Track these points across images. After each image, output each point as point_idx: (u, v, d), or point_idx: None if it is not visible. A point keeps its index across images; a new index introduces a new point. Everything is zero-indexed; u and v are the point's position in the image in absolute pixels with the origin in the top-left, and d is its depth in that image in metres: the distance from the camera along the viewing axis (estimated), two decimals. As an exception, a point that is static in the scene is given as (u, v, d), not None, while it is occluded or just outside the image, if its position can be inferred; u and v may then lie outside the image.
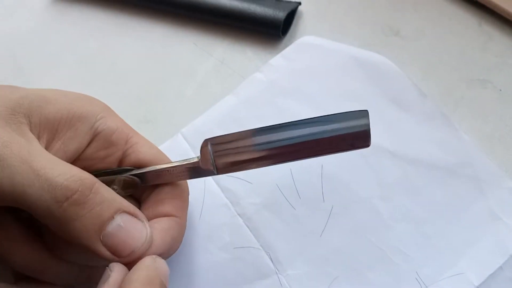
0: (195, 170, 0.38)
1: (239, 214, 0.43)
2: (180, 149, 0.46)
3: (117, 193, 0.38)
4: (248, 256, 0.42)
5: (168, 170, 0.38)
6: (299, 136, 0.36)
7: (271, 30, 0.51)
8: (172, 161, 0.40)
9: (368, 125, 0.35)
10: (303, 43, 0.50)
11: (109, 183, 0.38)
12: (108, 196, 0.35)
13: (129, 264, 0.34)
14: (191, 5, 0.53)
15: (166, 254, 0.37)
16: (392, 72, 0.47)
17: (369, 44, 0.50)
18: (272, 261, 0.41)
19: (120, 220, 0.34)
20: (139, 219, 0.35)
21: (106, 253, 0.34)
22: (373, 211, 0.42)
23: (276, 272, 0.41)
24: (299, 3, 0.53)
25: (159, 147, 0.46)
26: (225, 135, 0.36)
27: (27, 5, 0.58)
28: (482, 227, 0.42)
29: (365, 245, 0.41)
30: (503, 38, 0.50)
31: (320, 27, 0.53)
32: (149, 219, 0.38)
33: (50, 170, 0.33)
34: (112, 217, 0.34)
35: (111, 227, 0.34)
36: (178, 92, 0.51)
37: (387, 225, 0.42)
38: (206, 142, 0.36)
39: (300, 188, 0.43)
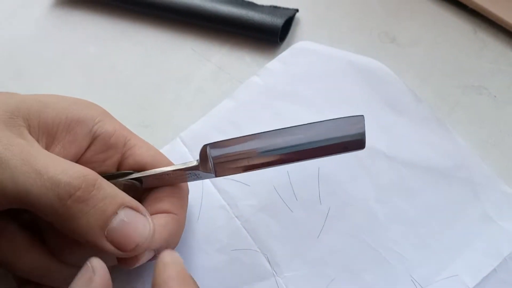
0: (194, 174, 0.38)
1: (236, 216, 0.43)
2: (179, 153, 0.47)
3: None
4: (246, 258, 0.42)
5: (167, 174, 0.38)
6: (297, 145, 0.37)
7: (269, 37, 0.52)
8: (172, 163, 0.40)
9: (364, 132, 0.36)
10: (299, 47, 0.51)
11: None
12: (110, 192, 0.35)
13: (131, 259, 0.35)
14: (189, 11, 0.53)
15: (164, 250, 0.37)
16: (388, 76, 0.48)
17: (366, 51, 0.51)
18: (269, 263, 0.42)
19: (124, 215, 0.35)
20: (142, 214, 0.36)
21: (111, 248, 0.34)
22: (369, 213, 0.43)
23: (274, 274, 0.41)
24: (297, 10, 0.54)
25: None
26: (224, 140, 0.37)
27: (27, 11, 0.58)
28: (476, 229, 0.42)
29: (361, 246, 0.42)
30: (497, 45, 0.51)
31: (317, 34, 0.53)
32: None
33: (52, 169, 0.33)
34: (115, 212, 0.34)
35: (115, 222, 0.34)
36: (176, 97, 0.51)
37: (383, 227, 0.42)
38: (205, 146, 0.37)
39: (297, 190, 0.44)
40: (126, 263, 0.36)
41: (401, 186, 0.44)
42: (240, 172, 0.38)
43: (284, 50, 0.52)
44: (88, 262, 0.32)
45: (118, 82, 0.53)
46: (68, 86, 0.53)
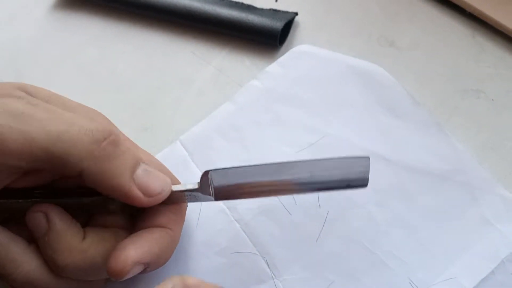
0: (193, 195, 0.38)
1: (236, 220, 0.44)
2: (179, 156, 0.47)
3: (115, 213, 0.39)
4: (245, 261, 0.42)
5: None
6: (301, 182, 0.37)
7: (269, 40, 0.52)
8: (176, 178, 0.41)
9: (368, 172, 0.37)
10: (299, 51, 0.51)
11: (107, 201, 0.38)
12: (131, 143, 0.38)
13: (121, 271, 0.35)
14: (190, 14, 0.54)
15: (154, 264, 0.37)
16: (387, 80, 0.48)
17: (365, 55, 0.51)
18: (268, 266, 0.42)
19: (145, 166, 0.36)
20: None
21: (139, 193, 0.35)
22: (368, 217, 0.43)
23: (273, 277, 0.42)
24: (296, 14, 0.54)
25: (158, 155, 0.46)
26: (227, 168, 0.37)
27: (28, 13, 0.58)
28: (474, 232, 0.42)
29: (360, 250, 0.42)
30: (495, 49, 0.51)
31: (316, 37, 0.53)
32: (142, 229, 0.38)
33: (79, 120, 0.35)
34: (139, 162, 0.36)
35: (140, 170, 0.36)
36: (176, 101, 0.51)
37: (381, 230, 0.42)
38: (207, 172, 0.37)
39: (296, 194, 0.44)
40: (117, 275, 0.35)
41: (400, 190, 0.44)
42: (240, 198, 0.38)
43: (283, 53, 0.52)
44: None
45: (118, 85, 0.53)
46: (68, 88, 0.52)
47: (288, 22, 0.53)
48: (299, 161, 0.37)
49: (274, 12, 0.53)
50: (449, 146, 0.45)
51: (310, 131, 0.47)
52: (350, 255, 0.42)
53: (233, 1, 0.55)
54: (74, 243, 0.36)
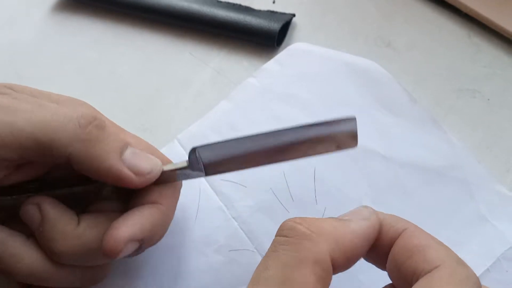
0: (184, 173, 0.38)
1: (233, 217, 0.44)
2: (176, 155, 0.47)
3: (108, 198, 0.39)
4: (243, 259, 0.42)
5: None
6: (288, 143, 0.36)
7: (266, 41, 0.52)
8: (166, 157, 0.41)
9: (356, 130, 0.36)
10: (296, 49, 0.51)
11: (99, 188, 0.38)
12: (116, 128, 0.38)
13: (115, 248, 0.35)
14: (188, 16, 0.54)
15: (148, 240, 0.37)
16: (383, 77, 0.48)
17: (362, 55, 0.51)
18: (266, 263, 0.42)
19: (133, 149, 0.37)
20: None
21: (128, 173, 0.36)
22: (365, 213, 0.43)
23: (270, 274, 0.42)
24: (293, 15, 0.54)
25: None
26: (214, 142, 0.37)
27: (26, 15, 0.59)
28: (470, 229, 0.42)
29: (357, 246, 0.42)
30: (491, 49, 0.52)
31: (313, 38, 0.54)
32: (134, 207, 0.38)
33: (63, 109, 0.35)
34: (127, 145, 0.37)
35: (128, 152, 0.36)
36: (175, 101, 0.52)
37: (378, 227, 0.43)
38: (194, 149, 0.37)
39: (293, 190, 0.44)
40: (112, 253, 0.35)
41: (397, 186, 0.44)
42: (231, 171, 0.38)
43: (281, 54, 0.52)
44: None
45: (118, 86, 0.53)
46: (68, 90, 0.52)
47: (286, 24, 0.53)
48: (286, 128, 0.36)
49: (271, 14, 0.54)
50: (445, 142, 0.46)
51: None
52: (347, 251, 0.42)
53: (231, 3, 0.55)
54: (69, 229, 0.36)
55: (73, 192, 0.38)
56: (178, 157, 0.47)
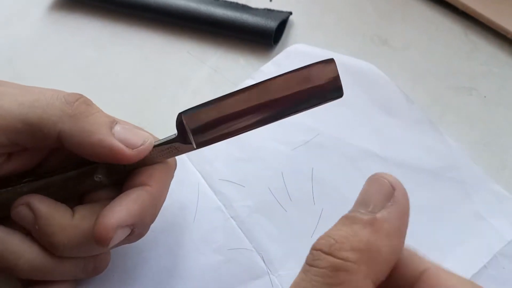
0: (174, 148, 0.37)
1: (232, 217, 0.44)
2: (175, 154, 0.47)
3: (102, 182, 0.38)
4: (241, 258, 0.43)
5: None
6: (274, 99, 0.35)
7: (263, 39, 0.53)
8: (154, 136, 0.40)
9: (338, 75, 0.35)
10: (294, 50, 0.52)
11: (92, 172, 0.38)
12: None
13: (106, 235, 0.34)
14: (185, 15, 0.54)
15: (139, 225, 0.37)
16: (380, 79, 0.49)
17: (359, 53, 0.51)
18: (264, 262, 0.42)
19: (122, 125, 0.37)
20: None
21: (122, 145, 0.35)
22: (362, 213, 0.43)
23: (268, 273, 0.42)
24: (290, 13, 0.54)
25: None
26: (199, 106, 0.36)
27: (24, 14, 0.59)
28: (467, 227, 0.43)
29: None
30: (487, 47, 0.52)
31: (310, 36, 0.54)
32: (125, 190, 0.37)
33: (49, 91, 0.36)
34: (115, 121, 0.37)
35: (117, 127, 0.36)
36: (173, 100, 0.52)
37: (375, 226, 0.43)
38: (180, 116, 0.36)
39: (291, 191, 0.44)
40: (103, 241, 0.35)
41: (393, 186, 0.44)
42: (221, 139, 0.36)
43: (278, 52, 0.52)
44: (382, 177, 0.29)
45: (116, 85, 0.53)
46: (65, 89, 0.52)
47: (283, 22, 0.53)
48: (267, 80, 0.35)
49: (268, 12, 0.54)
50: (442, 143, 0.46)
51: (305, 129, 0.47)
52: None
53: (228, 1, 0.55)
54: (65, 221, 0.36)
55: (67, 178, 0.38)
56: (177, 158, 0.47)
